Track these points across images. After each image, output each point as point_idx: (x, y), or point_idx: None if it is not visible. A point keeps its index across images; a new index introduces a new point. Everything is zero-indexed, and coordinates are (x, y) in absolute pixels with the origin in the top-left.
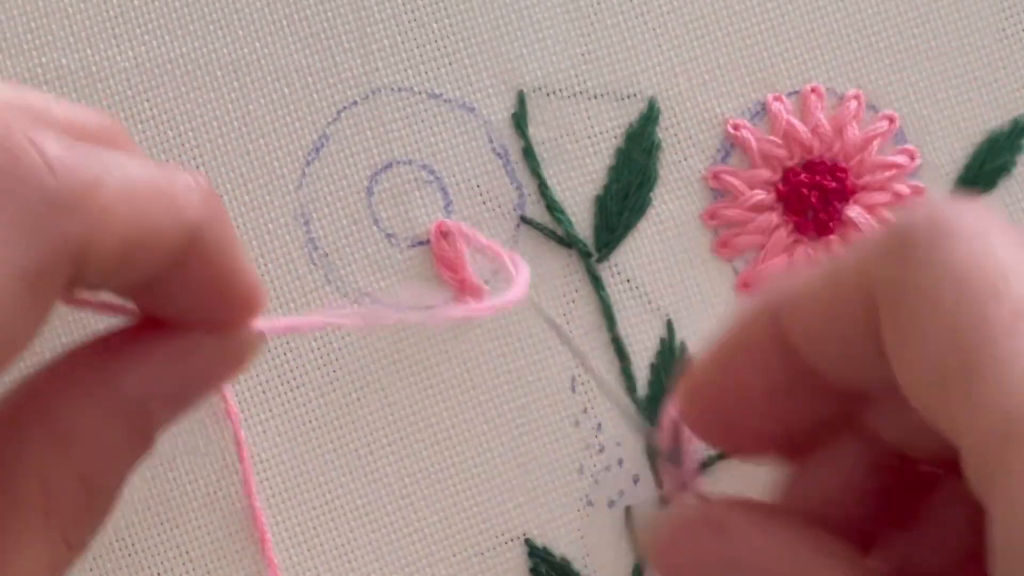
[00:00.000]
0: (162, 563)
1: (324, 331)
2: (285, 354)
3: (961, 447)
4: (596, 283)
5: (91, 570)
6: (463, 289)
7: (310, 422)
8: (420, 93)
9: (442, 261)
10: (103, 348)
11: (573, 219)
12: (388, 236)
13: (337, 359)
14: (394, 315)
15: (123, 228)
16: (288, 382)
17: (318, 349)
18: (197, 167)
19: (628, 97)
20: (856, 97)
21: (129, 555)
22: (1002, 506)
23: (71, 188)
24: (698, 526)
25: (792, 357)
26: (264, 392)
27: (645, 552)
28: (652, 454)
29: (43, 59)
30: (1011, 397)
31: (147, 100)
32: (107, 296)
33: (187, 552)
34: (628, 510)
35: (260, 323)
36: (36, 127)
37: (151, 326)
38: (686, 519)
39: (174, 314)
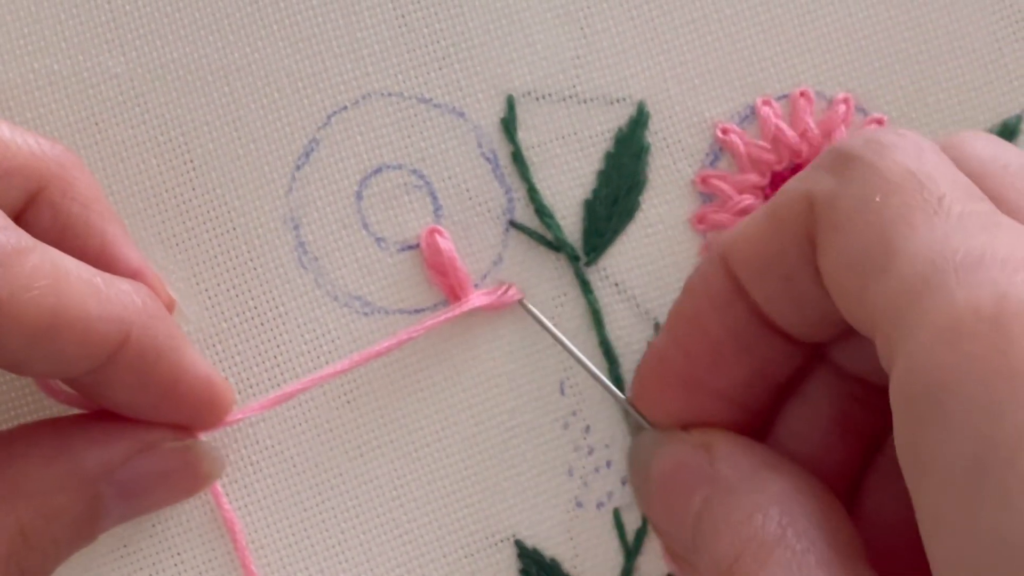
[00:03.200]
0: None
1: (312, 334)
2: (275, 357)
3: (875, 325)
4: (585, 287)
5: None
6: (453, 293)
7: (298, 425)
8: (410, 98)
9: (432, 265)
10: (71, 423)
11: (562, 223)
12: (378, 240)
13: (326, 362)
14: (377, 349)
15: (44, 301)
16: (278, 385)
17: (307, 352)
18: (187, 171)
19: (617, 101)
20: (845, 100)
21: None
22: (901, 351)
23: None
24: (689, 447)
25: (746, 302)
26: (255, 394)
27: (642, 477)
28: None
29: (35, 65)
30: (919, 260)
31: (138, 105)
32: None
33: (159, 547)
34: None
35: (242, 408)
36: None
37: (118, 416)
38: (680, 441)
39: (131, 412)
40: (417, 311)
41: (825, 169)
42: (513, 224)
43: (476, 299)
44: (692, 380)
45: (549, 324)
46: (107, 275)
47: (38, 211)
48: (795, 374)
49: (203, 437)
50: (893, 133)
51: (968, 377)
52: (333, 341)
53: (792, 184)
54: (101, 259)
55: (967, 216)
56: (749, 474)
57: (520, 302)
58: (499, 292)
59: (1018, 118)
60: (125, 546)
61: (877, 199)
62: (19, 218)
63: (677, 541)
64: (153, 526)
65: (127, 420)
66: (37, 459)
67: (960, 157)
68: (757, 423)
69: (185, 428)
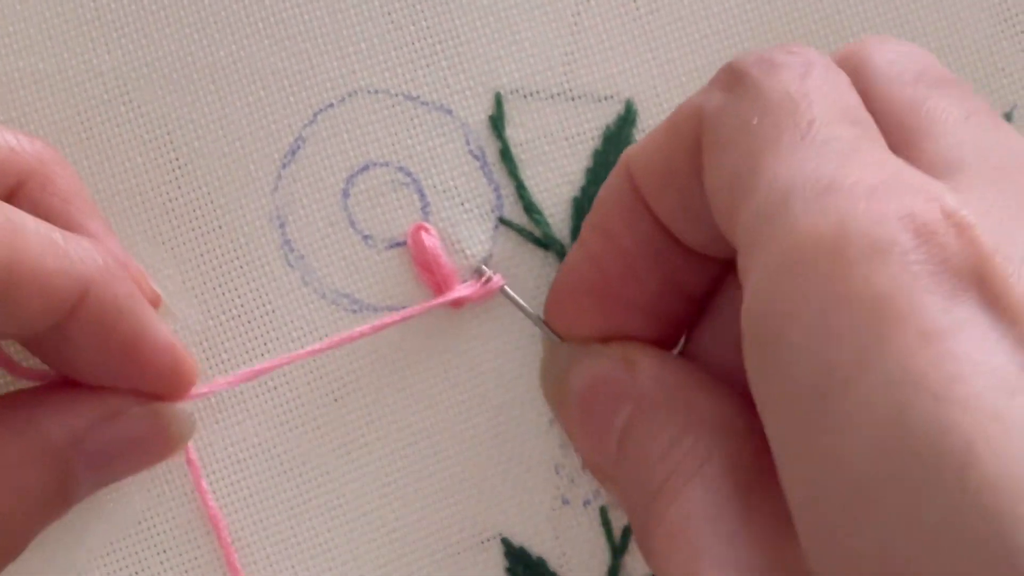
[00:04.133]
0: (116, 561)
1: (299, 332)
2: (263, 355)
3: (737, 244)
4: None
5: None
6: (439, 289)
7: (287, 422)
8: (397, 95)
9: (419, 262)
10: (33, 395)
11: (551, 220)
12: (365, 237)
13: (314, 359)
14: (352, 334)
15: None
16: (264, 382)
17: (295, 350)
18: (173, 169)
19: (605, 99)
20: None
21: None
22: (749, 277)
23: None
24: (609, 361)
25: (652, 214)
26: (240, 391)
27: (558, 391)
28: None
29: (20, 63)
30: (775, 186)
31: (123, 103)
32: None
33: (143, 544)
34: (546, 347)
35: (206, 384)
36: None
37: (81, 385)
38: (599, 354)
39: (94, 379)
40: (405, 308)
41: (717, 86)
42: (502, 221)
43: (459, 290)
44: (605, 291)
45: (520, 301)
46: (67, 232)
47: (17, 206)
48: (710, 285)
49: None
50: (785, 51)
51: (807, 305)
52: (321, 339)
53: (689, 99)
54: None
55: (830, 141)
56: (673, 392)
57: (502, 288)
58: (481, 281)
59: (1008, 116)
60: (111, 543)
61: (754, 121)
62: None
63: (598, 455)
64: (139, 523)
65: (91, 389)
66: (0, 434)
67: (858, 67)
68: (673, 336)
69: (150, 395)
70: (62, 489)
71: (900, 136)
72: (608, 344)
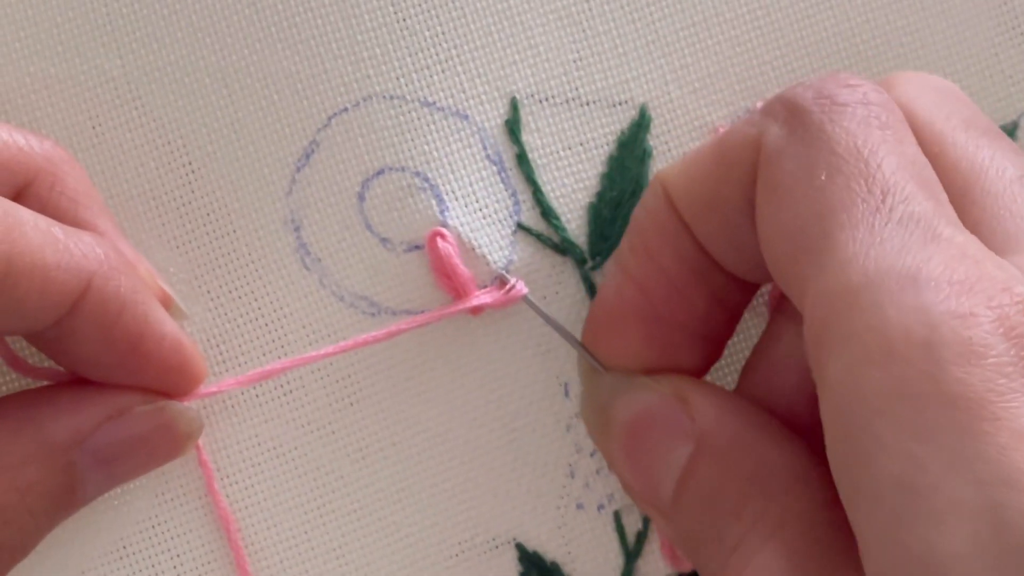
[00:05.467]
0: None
1: (316, 335)
2: (280, 357)
3: (804, 317)
4: (591, 290)
5: None
6: (457, 295)
7: (302, 426)
8: (412, 101)
9: (436, 267)
10: (39, 394)
11: (568, 226)
12: (383, 240)
13: (328, 363)
14: (367, 338)
15: None
16: (280, 384)
17: (312, 352)
18: (187, 173)
19: (619, 104)
20: None
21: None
22: (832, 365)
23: None
24: (660, 396)
25: (693, 234)
26: (255, 394)
27: (602, 422)
28: None
29: (31, 68)
30: (855, 268)
31: (136, 108)
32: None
33: (156, 548)
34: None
35: (218, 382)
36: None
37: (86, 383)
38: (648, 388)
39: (101, 375)
40: (423, 312)
41: (775, 119)
42: (520, 227)
43: (482, 296)
44: (649, 314)
45: (549, 315)
46: (68, 227)
47: (25, 205)
48: (748, 300)
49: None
50: (844, 85)
51: (899, 400)
52: (338, 342)
53: (741, 127)
54: None
55: (907, 222)
56: (737, 436)
57: (524, 297)
58: (505, 289)
59: (1015, 124)
60: (123, 545)
61: (823, 177)
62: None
63: (649, 491)
64: (151, 525)
65: (96, 387)
66: (4, 432)
67: (902, 107)
68: (714, 355)
69: (156, 392)
70: (68, 488)
71: (959, 190)
72: (657, 377)
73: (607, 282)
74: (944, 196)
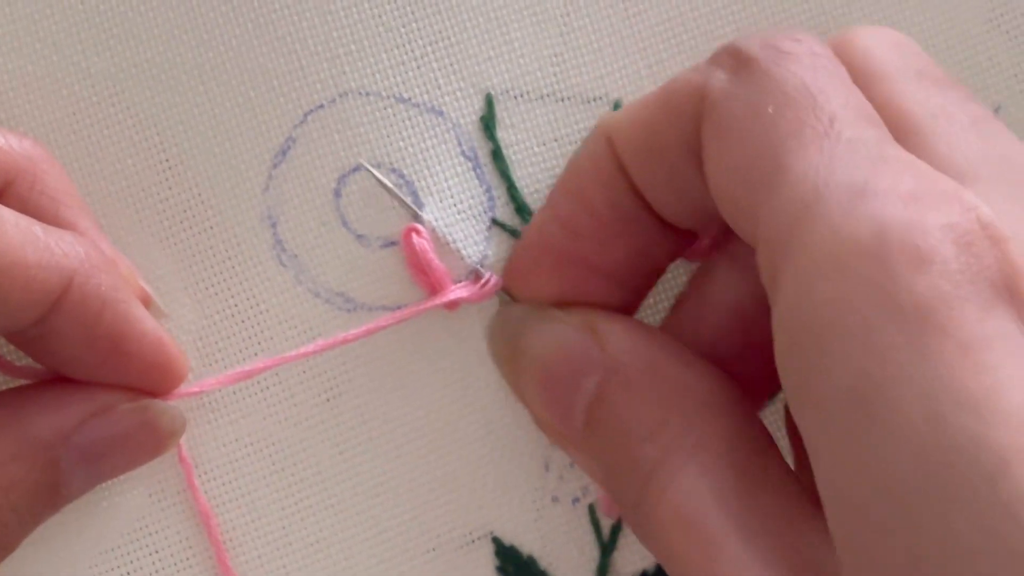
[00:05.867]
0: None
1: (293, 331)
2: (257, 354)
3: (758, 242)
4: None
5: None
6: (433, 290)
7: (280, 422)
8: (388, 97)
9: (412, 263)
10: (22, 392)
11: None
12: (358, 237)
13: (307, 359)
14: (347, 336)
15: None
16: (257, 381)
17: (289, 350)
18: (164, 170)
19: (594, 100)
20: None
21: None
22: (784, 278)
23: None
24: (572, 328)
25: (630, 182)
26: (233, 391)
27: (511, 353)
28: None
29: (9, 65)
30: (805, 185)
31: (113, 105)
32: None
33: (135, 549)
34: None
35: (200, 382)
36: None
37: (69, 382)
38: (559, 320)
39: (83, 374)
40: (400, 307)
41: (720, 66)
42: (495, 222)
43: (456, 291)
44: (572, 255)
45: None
46: (48, 226)
47: (6, 204)
48: (673, 256)
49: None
50: (790, 38)
51: (848, 312)
52: (315, 338)
53: (685, 75)
54: None
55: (855, 142)
56: (650, 364)
57: (499, 292)
58: (480, 283)
59: (996, 112)
60: (104, 545)
61: (770, 110)
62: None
63: (560, 423)
64: (133, 525)
65: (79, 385)
66: None
67: (854, 59)
68: (633, 306)
69: (139, 391)
70: (52, 486)
71: (908, 138)
72: (569, 310)
73: (533, 220)
74: (888, 133)
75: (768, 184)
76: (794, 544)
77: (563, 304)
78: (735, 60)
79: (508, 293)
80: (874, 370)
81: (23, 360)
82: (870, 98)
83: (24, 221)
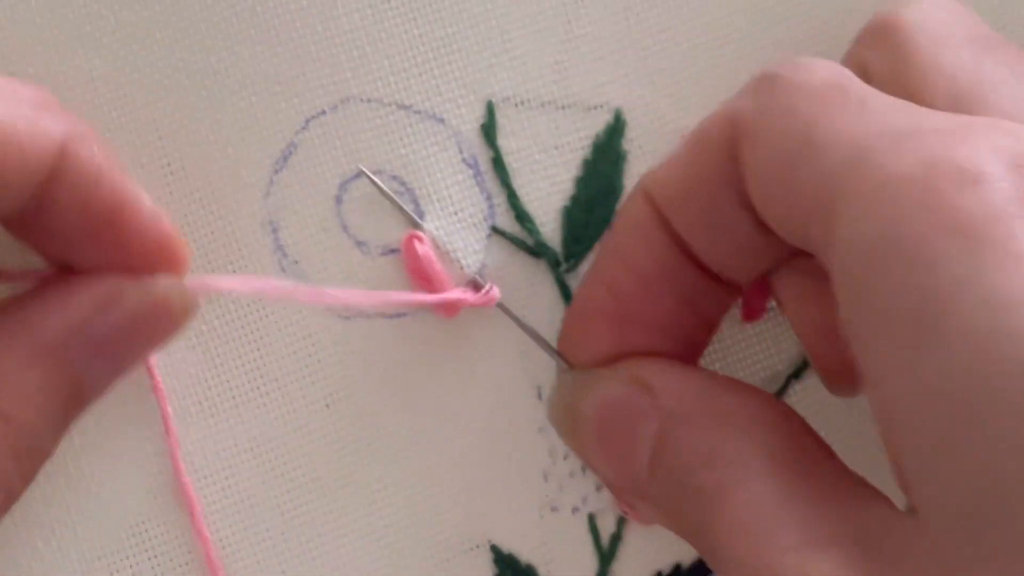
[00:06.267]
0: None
1: (293, 338)
2: (255, 360)
3: (807, 221)
4: (565, 292)
5: None
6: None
7: (278, 428)
8: (390, 104)
9: (412, 271)
10: (24, 299)
11: (542, 229)
12: (359, 243)
13: (307, 366)
14: (336, 296)
15: None
16: (257, 387)
17: (288, 356)
18: (165, 175)
19: (595, 108)
20: None
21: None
22: (841, 225)
23: None
24: (619, 383)
25: (671, 234)
26: (232, 394)
27: (570, 421)
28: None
29: (11, 68)
30: (845, 148)
31: (115, 109)
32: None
33: (133, 554)
34: (561, 378)
35: (191, 282)
36: None
37: (72, 276)
38: (607, 378)
39: (84, 258)
40: (398, 316)
41: (747, 94)
42: (495, 230)
43: (459, 292)
44: (620, 315)
45: (522, 320)
46: (36, 99)
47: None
48: (723, 311)
49: None
50: (807, 62)
51: (905, 234)
52: (314, 345)
53: (713, 115)
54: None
55: (889, 107)
56: (697, 401)
57: (498, 304)
58: (480, 294)
59: None
60: (100, 548)
61: (803, 106)
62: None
63: (625, 477)
64: (128, 529)
65: (82, 278)
66: (1, 339)
67: (901, 29)
68: (692, 361)
69: (143, 273)
70: (74, 385)
71: (959, 103)
72: (613, 367)
73: (580, 286)
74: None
75: (804, 157)
76: (851, 524)
77: (611, 360)
78: (759, 83)
79: (564, 359)
80: (934, 285)
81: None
82: (916, 69)
83: (6, 90)
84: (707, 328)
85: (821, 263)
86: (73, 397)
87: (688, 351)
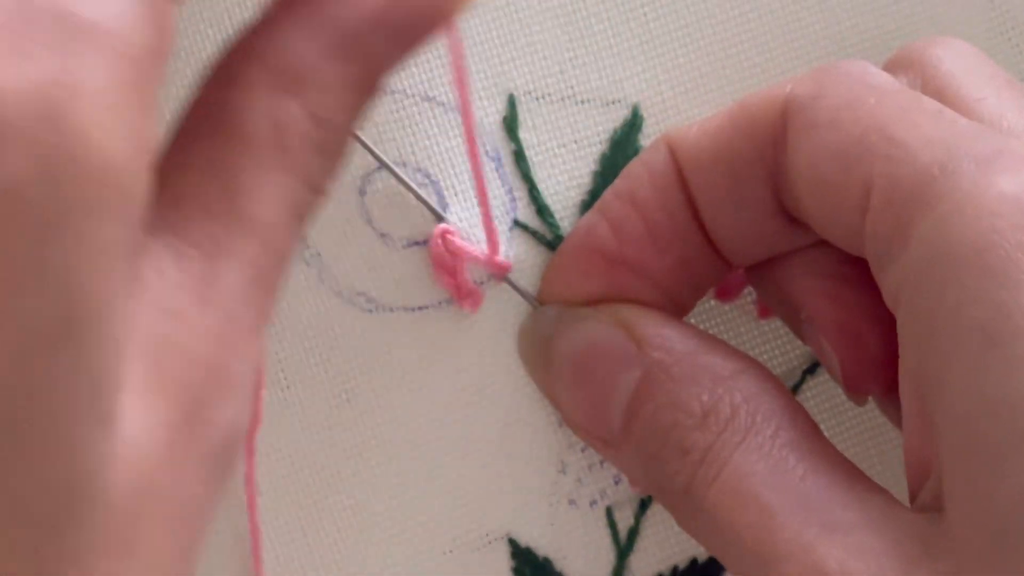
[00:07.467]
0: None
1: (314, 331)
2: (276, 354)
3: (878, 216)
4: None
5: None
6: (459, 292)
7: (296, 422)
8: (413, 96)
9: (440, 265)
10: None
11: (561, 223)
12: (382, 236)
13: (327, 359)
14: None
15: None
16: (277, 380)
17: (309, 349)
18: None
19: (613, 103)
20: None
21: None
22: (920, 225)
23: None
24: (604, 325)
25: (687, 196)
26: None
27: (543, 358)
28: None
29: None
30: (935, 148)
31: None
32: None
33: None
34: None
35: None
36: None
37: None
38: (590, 318)
39: None
40: (421, 308)
41: (806, 80)
42: (517, 223)
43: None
44: (618, 256)
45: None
46: None
47: None
48: (716, 283)
49: None
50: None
51: (989, 249)
52: (336, 338)
53: (763, 91)
54: None
55: (967, 123)
56: (687, 356)
57: (505, 278)
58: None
59: None
60: None
61: (872, 100)
62: None
63: (596, 424)
64: None
65: None
66: (295, 33)
67: (928, 64)
68: (675, 315)
69: None
70: (366, 72)
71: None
72: (599, 307)
73: (581, 221)
74: None
75: (884, 154)
76: (860, 511)
77: (596, 303)
78: (823, 73)
79: (540, 300)
80: (1011, 305)
81: None
82: (943, 97)
83: None
84: (695, 294)
85: (869, 256)
86: (364, 95)
87: (674, 308)
